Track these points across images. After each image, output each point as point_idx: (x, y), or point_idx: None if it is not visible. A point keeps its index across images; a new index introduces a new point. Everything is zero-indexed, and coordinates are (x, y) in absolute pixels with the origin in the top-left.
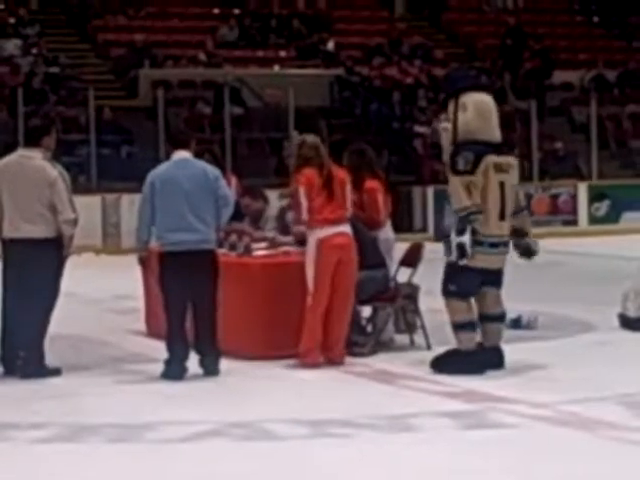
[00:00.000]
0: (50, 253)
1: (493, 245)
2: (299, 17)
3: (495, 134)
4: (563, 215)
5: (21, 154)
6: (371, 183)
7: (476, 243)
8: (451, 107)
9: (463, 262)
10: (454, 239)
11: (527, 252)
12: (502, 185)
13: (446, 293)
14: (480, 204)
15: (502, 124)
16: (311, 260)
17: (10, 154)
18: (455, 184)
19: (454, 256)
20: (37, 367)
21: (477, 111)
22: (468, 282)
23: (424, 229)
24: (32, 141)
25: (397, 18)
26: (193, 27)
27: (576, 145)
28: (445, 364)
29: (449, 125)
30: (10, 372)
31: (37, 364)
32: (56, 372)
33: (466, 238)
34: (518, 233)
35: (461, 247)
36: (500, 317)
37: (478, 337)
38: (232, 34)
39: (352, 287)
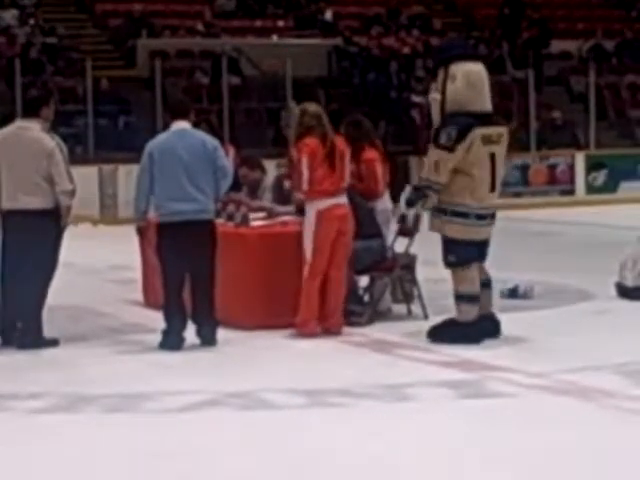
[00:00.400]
0: (48, 224)
1: (480, 217)
2: None
3: (485, 104)
4: (561, 185)
5: (19, 125)
6: (369, 154)
7: (462, 215)
8: (440, 77)
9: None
10: (401, 208)
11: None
12: (493, 156)
13: (448, 264)
14: (442, 183)
15: (500, 94)
16: (310, 231)
17: (8, 125)
18: (430, 156)
19: (395, 220)
20: (35, 337)
21: (466, 81)
22: (464, 251)
23: (401, 218)
24: (30, 112)
25: None
26: None
27: (574, 115)
28: (442, 334)
29: (438, 96)
30: (8, 343)
31: (35, 334)
32: (54, 342)
33: (412, 212)
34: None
35: (403, 218)
36: (486, 284)
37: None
38: (230, 4)
39: (347, 256)
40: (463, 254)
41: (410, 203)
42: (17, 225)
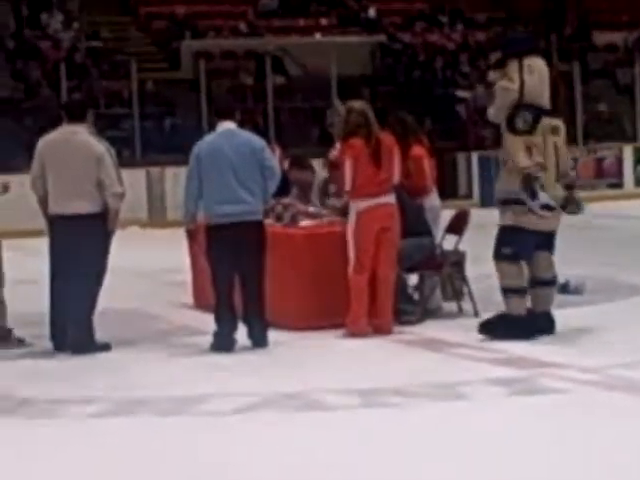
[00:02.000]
0: (97, 228)
1: (549, 207)
2: None
3: (548, 100)
4: (608, 178)
5: (66, 129)
6: (416, 150)
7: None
8: (514, 67)
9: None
10: (534, 205)
11: (578, 206)
12: (556, 147)
13: (498, 256)
14: (543, 162)
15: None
16: (351, 230)
17: (51, 131)
18: (513, 144)
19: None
20: (87, 342)
21: (540, 76)
22: (522, 244)
23: (469, 195)
24: (77, 116)
25: None
26: None
27: (620, 107)
28: (493, 329)
29: (513, 85)
30: (60, 348)
31: (87, 339)
32: (106, 347)
33: (544, 197)
34: (568, 187)
35: (547, 207)
36: (552, 282)
37: (528, 302)
38: (273, 3)
39: (394, 254)
40: (519, 247)
41: (534, 195)
42: (66, 230)
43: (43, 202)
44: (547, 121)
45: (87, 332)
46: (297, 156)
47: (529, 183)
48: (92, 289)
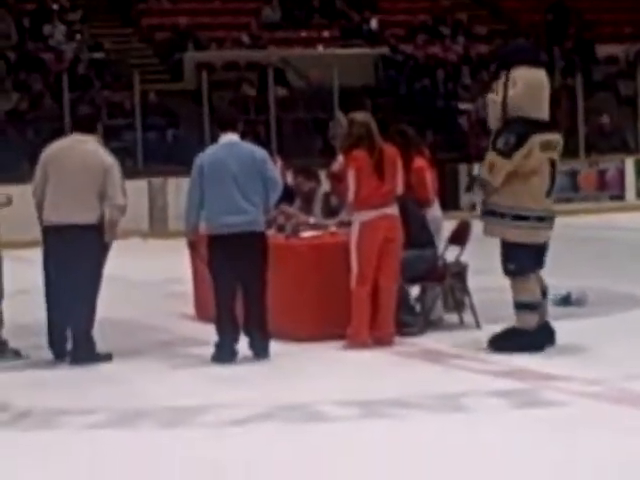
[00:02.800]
0: (95, 238)
1: (540, 219)
2: None
3: (543, 112)
4: (610, 190)
5: (76, 138)
6: (418, 162)
7: (522, 218)
8: (502, 80)
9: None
10: (465, 195)
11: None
12: (553, 163)
13: (506, 272)
14: (494, 186)
15: (551, 100)
16: (354, 241)
17: (58, 140)
18: (487, 157)
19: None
20: (87, 352)
21: (527, 87)
22: (524, 258)
23: (472, 207)
24: (87, 128)
25: None
26: (236, 9)
27: (622, 119)
28: (504, 343)
29: (497, 98)
30: (60, 357)
31: (87, 350)
32: (107, 357)
33: (468, 199)
34: None
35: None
36: (543, 292)
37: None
38: (275, 15)
39: (397, 265)
40: (522, 261)
41: (468, 188)
42: (63, 240)
43: (40, 208)
44: (538, 137)
45: (87, 343)
46: (304, 165)
47: (471, 184)
48: (90, 299)
